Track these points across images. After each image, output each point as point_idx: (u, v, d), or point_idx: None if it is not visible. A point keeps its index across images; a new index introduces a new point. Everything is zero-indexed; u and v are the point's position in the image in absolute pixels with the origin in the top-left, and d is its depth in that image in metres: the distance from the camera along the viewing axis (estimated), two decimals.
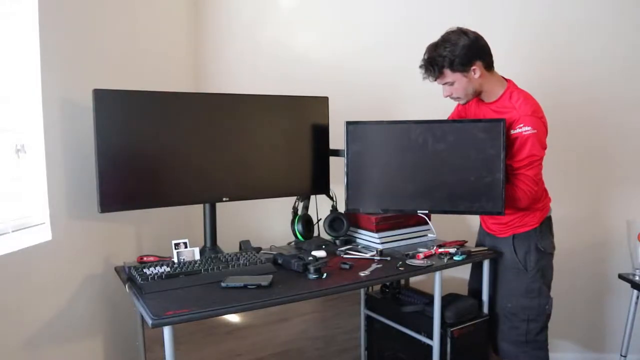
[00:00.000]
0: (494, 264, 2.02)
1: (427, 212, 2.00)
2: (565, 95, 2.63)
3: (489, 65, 1.80)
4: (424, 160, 1.91)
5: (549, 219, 2.00)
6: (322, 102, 2.12)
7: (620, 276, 2.36)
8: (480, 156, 1.82)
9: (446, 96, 1.86)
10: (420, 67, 1.82)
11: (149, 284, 1.55)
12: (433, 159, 1.90)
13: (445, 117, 2.17)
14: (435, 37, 1.84)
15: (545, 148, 1.83)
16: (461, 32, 1.77)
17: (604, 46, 2.59)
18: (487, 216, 2.00)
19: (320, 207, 2.21)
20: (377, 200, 2.00)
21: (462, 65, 1.75)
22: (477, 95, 1.87)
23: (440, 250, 1.94)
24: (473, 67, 1.76)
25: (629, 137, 2.63)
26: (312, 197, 2.18)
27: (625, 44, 2.58)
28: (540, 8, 2.58)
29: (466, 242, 2.09)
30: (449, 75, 1.79)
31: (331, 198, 2.18)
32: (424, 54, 1.83)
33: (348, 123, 1.98)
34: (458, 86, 1.81)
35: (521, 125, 1.75)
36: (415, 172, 1.93)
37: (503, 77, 1.88)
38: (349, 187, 2.00)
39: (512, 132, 1.78)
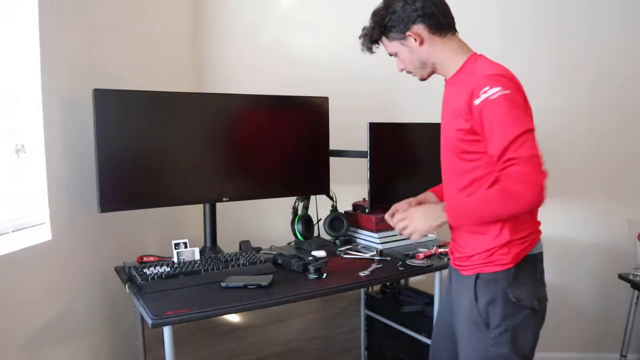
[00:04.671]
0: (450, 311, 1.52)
1: None
2: (565, 96, 2.63)
3: (437, 28, 1.37)
4: (425, 158, 2.00)
5: (535, 258, 1.36)
6: (322, 102, 2.12)
7: (620, 276, 2.36)
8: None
9: (400, 70, 1.50)
10: (359, 37, 1.49)
11: (149, 284, 1.55)
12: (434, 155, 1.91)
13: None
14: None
15: (531, 118, 1.28)
16: None
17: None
18: (453, 246, 1.50)
19: (320, 207, 2.21)
20: (389, 196, 2.01)
21: (398, 31, 1.39)
22: (433, 68, 1.44)
23: (440, 250, 1.94)
24: (409, 33, 1.37)
25: (629, 138, 2.63)
26: (312, 197, 2.18)
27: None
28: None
29: None
30: (387, 45, 1.45)
31: (331, 198, 2.18)
32: None
33: (371, 124, 1.97)
34: (402, 58, 1.45)
35: (486, 88, 1.24)
36: (421, 168, 2.02)
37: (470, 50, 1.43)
38: (372, 189, 2.01)
39: (475, 102, 1.26)
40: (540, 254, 1.38)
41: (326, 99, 2.13)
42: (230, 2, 2.56)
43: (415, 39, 1.38)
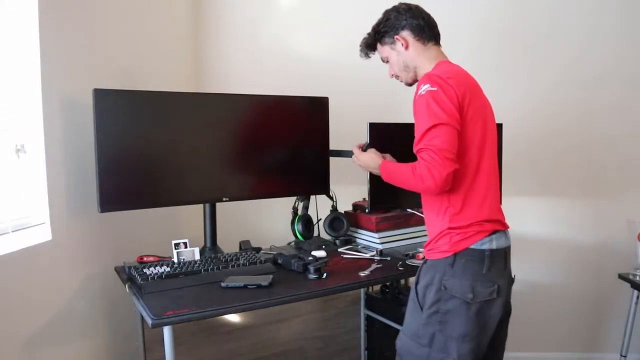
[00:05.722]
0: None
1: None
2: (564, 94, 2.63)
3: (420, 36, 1.58)
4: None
5: (483, 253, 1.42)
6: (322, 102, 2.12)
7: (620, 276, 2.36)
8: None
9: (390, 75, 1.69)
10: (359, 45, 1.72)
11: (149, 284, 1.55)
12: None
13: None
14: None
15: (450, 116, 1.36)
16: (395, 6, 1.63)
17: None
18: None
19: (320, 207, 2.21)
20: (389, 196, 2.01)
21: (389, 36, 1.61)
22: (415, 72, 1.61)
23: None
24: (397, 37, 1.59)
25: (629, 138, 2.63)
26: (312, 197, 2.18)
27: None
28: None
29: None
30: (381, 50, 1.66)
31: (331, 198, 2.18)
32: None
33: (371, 124, 1.97)
34: (391, 62, 1.65)
35: (421, 86, 1.42)
36: None
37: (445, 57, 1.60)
38: (372, 189, 1.98)
39: (415, 98, 1.45)
40: (494, 252, 1.43)
41: (326, 99, 2.13)
42: (230, 2, 2.56)
43: (402, 43, 1.59)
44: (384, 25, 1.62)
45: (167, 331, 1.37)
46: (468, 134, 1.42)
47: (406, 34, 1.58)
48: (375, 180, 1.99)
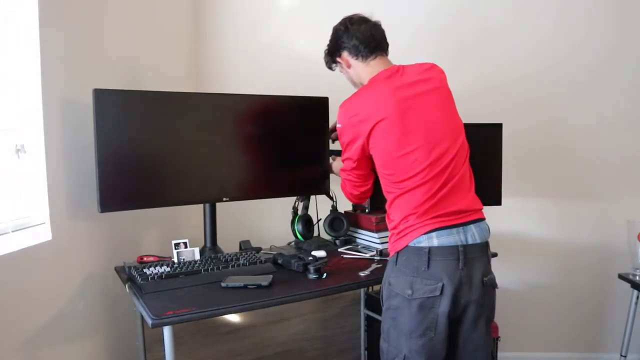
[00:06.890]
0: None
1: None
2: (564, 94, 2.63)
3: (358, 55, 1.61)
4: None
5: (421, 250, 1.43)
6: (322, 102, 2.12)
7: (620, 276, 2.36)
8: None
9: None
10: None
11: (149, 284, 1.55)
12: None
13: None
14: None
15: (354, 149, 1.59)
16: (335, 26, 1.68)
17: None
18: None
19: (320, 207, 2.21)
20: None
21: (335, 56, 1.69)
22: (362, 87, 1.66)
23: None
24: (339, 59, 1.67)
25: (629, 138, 2.63)
26: (312, 197, 2.18)
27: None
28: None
29: None
30: (338, 66, 1.73)
31: (331, 198, 2.18)
32: None
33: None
34: (345, 76, 1.74)
35: None
36: None
37: (385, 67, 1.60)
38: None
39: None
40: (435, 249, 1.42)
41: (326, 99, 2.13)
42: (230, 2, 2.56)
43: (344, 64, 1.67)
44: (330, 46, 1.69)
45: (167, 331, 1.37)
46: (382, 147, 1.51)
47: (346, 54, 1.65)
48: (374, 180, 2.00)
